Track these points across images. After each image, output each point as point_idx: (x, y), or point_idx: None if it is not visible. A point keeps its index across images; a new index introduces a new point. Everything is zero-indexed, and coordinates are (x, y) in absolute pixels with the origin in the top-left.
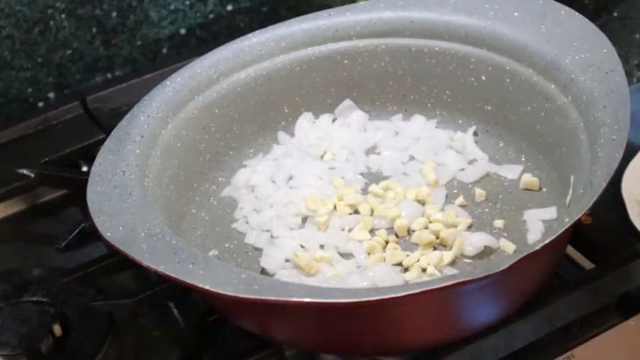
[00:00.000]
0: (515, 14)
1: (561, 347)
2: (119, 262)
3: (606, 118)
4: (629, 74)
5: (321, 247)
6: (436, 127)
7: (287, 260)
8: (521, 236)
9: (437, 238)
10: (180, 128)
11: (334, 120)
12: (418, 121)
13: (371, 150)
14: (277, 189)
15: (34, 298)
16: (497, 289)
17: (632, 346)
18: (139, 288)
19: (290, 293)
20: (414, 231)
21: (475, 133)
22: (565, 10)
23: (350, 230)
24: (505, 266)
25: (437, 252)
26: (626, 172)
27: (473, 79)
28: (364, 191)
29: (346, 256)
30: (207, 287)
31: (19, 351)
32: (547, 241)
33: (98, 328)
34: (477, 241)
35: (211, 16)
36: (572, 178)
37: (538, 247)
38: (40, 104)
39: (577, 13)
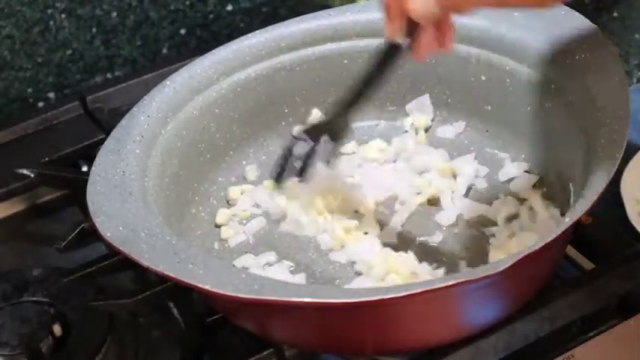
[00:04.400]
0: (515, 14)
1: (561, 347)
2: (119, 262)
3: (606, 118)
4: (629, 74)
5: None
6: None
7: None
8: None
9: None
10: (181, 128)
11: None
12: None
13: (372, 150)
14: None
15: (34, 298)
16: (497, 289)
17: (632, 346)
18: (139, 288)
19: (290, 293)
20: None
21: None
22: (565, 10)
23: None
24: (505, 266)
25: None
26: (626, 172)
27: (473, 79)
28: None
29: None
30: (207, 287)
31: (19, 351)
32: (547, 241)
33: (98, 328)
34: None
35: (211, 16)
36: (572, 178)
37: (538, 247)
38: (40, 104)
39: (577, 13)
